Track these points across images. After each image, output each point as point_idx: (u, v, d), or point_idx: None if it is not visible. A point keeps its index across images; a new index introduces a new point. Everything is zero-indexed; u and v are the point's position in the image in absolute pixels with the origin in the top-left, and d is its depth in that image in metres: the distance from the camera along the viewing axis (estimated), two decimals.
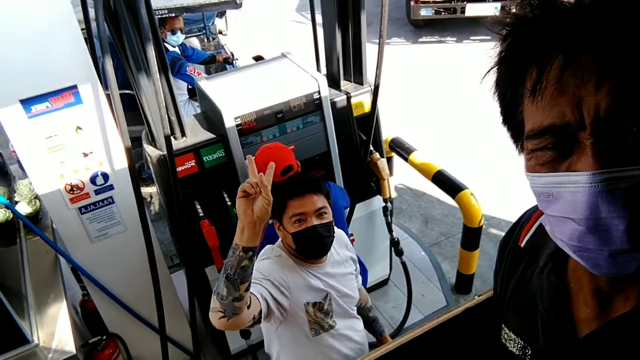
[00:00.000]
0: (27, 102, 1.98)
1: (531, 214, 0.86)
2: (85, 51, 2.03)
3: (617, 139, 0.53)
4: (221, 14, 6.19)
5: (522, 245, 0.85)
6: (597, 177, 0.53)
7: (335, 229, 1.92)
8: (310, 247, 1.76)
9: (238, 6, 4.13)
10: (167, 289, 2.64)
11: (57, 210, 2.25)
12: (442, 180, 3.30)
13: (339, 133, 2.72)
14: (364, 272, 2.40)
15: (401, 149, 3.59)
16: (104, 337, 2.66)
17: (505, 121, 0.68)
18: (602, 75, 0.53)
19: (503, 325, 0.86)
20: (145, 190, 4.59)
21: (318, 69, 3.09)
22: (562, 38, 0.55)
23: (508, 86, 0.64)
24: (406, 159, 3.54)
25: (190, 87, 4.46)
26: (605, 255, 0.57)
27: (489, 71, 0.65)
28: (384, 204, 3.12)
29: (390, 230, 3.19)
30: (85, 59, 2.04)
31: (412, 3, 7.09)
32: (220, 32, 6.37)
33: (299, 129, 2.59)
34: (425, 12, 7.09)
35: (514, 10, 0.61)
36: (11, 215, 2.51)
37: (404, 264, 3.27)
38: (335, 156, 2.74)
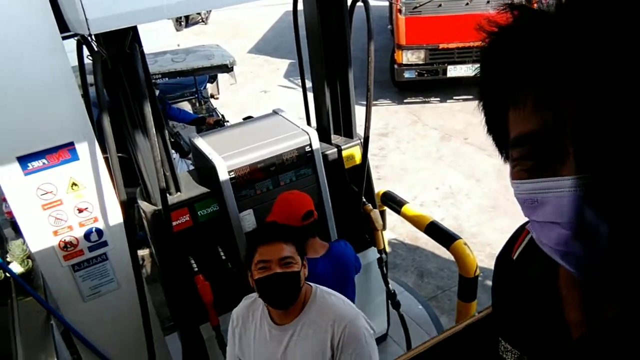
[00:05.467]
0: (24, 159, 2.01)
1: (524, 227, 0.88)
2: (82, 108, 2.08)
3: (597, 146, 0.55)
4: (213, 79, 6.40)
5: (515, 257, 0.86)
6: (580, 181, 0.54)
7: (342, 307, 1.79)
8: (271, 295, 1.73)
9: (230, 70, 4.31)
10: (160, 351, 2.56)
11: (50, 267, 2.23)
12: (435, 230, 3.30)
13: (331, 185, 2.76)
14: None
15: (393, 202, 3.62)
16: None
17: (490, 130, 0.70)
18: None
19: (500, 338, 0.86)
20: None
21: (308, 124, 3.18)
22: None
23: (492, 96, 0.66)
24: (398, 212, 3.56)
25: (186, 148, 4.51)
26: (590, 259, 0.57)
27: (475, 82, 0.68)
28: (378, 255, 3.11)
29: (386, 282, 3.16)
30: (82, 115, 2.09)
31: (395, 66, 7.37)
32: (212, 96, 6.56)
33: (292, 181, 2.63)
34: (409, 75, 7.33)
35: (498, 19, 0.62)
36: (2, 276, 2.47)
37: (401, 317, 3.21)
38: (329, 208, 2.77)
